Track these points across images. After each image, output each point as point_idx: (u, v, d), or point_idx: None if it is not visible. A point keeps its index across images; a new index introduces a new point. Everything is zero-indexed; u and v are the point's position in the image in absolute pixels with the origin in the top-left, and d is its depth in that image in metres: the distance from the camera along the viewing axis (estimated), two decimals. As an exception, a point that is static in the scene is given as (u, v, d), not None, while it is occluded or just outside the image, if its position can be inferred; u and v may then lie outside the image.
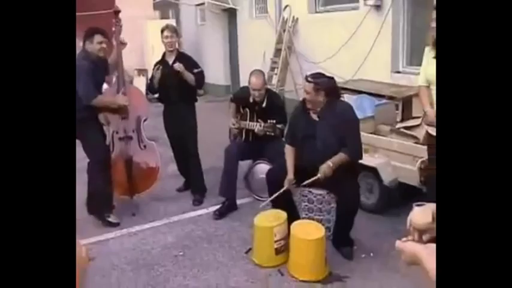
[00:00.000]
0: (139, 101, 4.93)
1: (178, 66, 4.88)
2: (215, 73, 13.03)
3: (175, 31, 5.14)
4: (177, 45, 5.17)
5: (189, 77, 4.96)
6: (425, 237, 1.37)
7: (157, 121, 5.45)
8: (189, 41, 14.38)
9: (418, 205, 1.41)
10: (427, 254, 1.24)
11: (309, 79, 3.79)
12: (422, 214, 1.36)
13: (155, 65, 5.19)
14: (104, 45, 4.57)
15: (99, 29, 4.64)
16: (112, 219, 4.74)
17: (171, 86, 5.01)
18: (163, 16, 13.75)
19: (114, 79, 4.98)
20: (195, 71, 5.06)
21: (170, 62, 5.06)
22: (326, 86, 3.77)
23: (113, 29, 4.80)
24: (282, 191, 3.83)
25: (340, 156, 3.67)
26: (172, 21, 13.17)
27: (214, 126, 5.99)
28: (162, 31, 5.10)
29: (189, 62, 5.10)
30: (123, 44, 4.80)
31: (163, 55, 5.20)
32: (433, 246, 1.27)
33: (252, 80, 4.77)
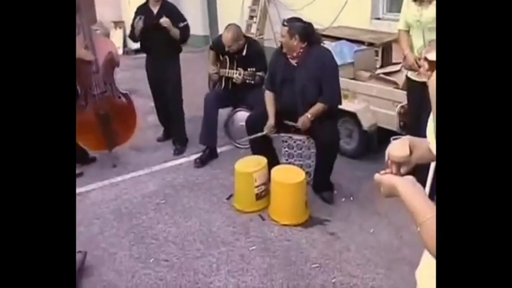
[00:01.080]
0: (110, 51, 4.69)
1: (165, 21, 4.72)
2: (193, 23, 12.54)
3: None
4: None
5: (175, 33, 4.83)
6: (403, 170, 1.39)
7: (135, 72, 5.35)
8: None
9: (395, 139, 1.42)
10: (404, 185, 1.25)
11: (285, 23, 3.76)
12: (400, 147, 1.38)
13: (137, 11, 5.00)
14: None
15: None
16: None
17: (154, 37, 4.84)
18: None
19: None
20: (181, 24, 4.90)
21: (154, 11, 4.88)
22: (300, 30, 3.72)
23: None
24: (261, 134, 3.85)
25: (318, 107, 3.68)
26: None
27: (194, 77, 5.93)
28: None
29: (175, 14, 4.92)
30: None
31: (147, 2, 4.99)
32: (411, 178, 1.28)
33: (223, 35, 4.69)
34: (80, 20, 4.51)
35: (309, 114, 3.65)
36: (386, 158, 1.37)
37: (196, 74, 6.72)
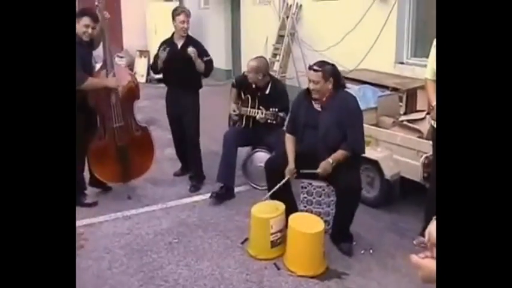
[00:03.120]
0: (131, 81, 4.72)
1: (192, 51, 4.72)
2: (217, 57, 12.70)
3: (190, 16, 4.98)
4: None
5: (200, 65, 4.83)
6: None
7: (156, 103, 5.33)
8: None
9: None
10: None
11: (315, 68, 3.68)
12: None
13: (162, 44, 5.04)
14: (90, 30, 4.34)
15: (90, 11, 4.42)
16: (88, 200, 4.69)
17: (177, 69, 4.86)
18: (166, -2, 13.57)
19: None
20: (205, 59, 4.92)
21: (179, 45, 4.92)
22: (333, 73, 3.68)
23: (96, 3, 4.53)
24: (283, 182, 3.73)
25: (341, 153, 3.58)
26: (175, 4, 12.99)
27: (214, 110, 5.91)
28: (177, 14, 4.92)
29: (200, 49, 4.93)
30: (106, 17, 4.52)
31: (172, 35, 5.05)
32: None
33: (248, 63, 4.69)
34: (104, 50, 4.55)
35: (330, 160, 3.55)
36: (426, 238, 1.25)
37: (216, 108, 6.69)
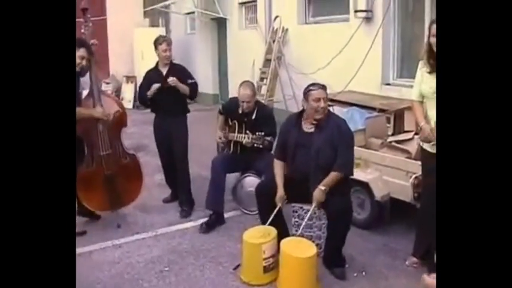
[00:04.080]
0: (118, 111, 4.71)
1: (172, 80, 4.79)
2: (204, 82, 12.90)
3: (171, 44, 5.04)
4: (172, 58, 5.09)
5: (184, 89, 4.89)
6: None
7: (144, 128, 5.32)
8: (179, 49, 14.19)
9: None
10: None
11: (322, 88, 3.75)
12: None
13: (147, 73, 5.09)
14: (84, 62, 4.30)
15: (86, 42, 4.40)
16: (77, 229, 4.49)
17: (163, 98, 4.90)
18: (153, 24, 13.68)
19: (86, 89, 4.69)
20: (189, 81, 4.98)
21: (164, 72, 4.96)
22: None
23: (82, 30, 4.54)
24: (276, 211, 3.74)
25: (333, 176, 3.59)
26: (162, 30, 13.09)
27: (202, 136, 5.92)
28: (159, 43, 4.95)
29: (183, 73, 5.02)
30: (94, 44, 4.55)
31: (157, 64, 5.09)
32: None
33: (240, 91, 4.69)
34: (91, 79, 4.56)
35: (322, 187, 3.55)
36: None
37: (204, 133, 6.69)
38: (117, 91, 13.18)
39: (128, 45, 13.42)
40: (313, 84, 3.79)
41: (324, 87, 3.75)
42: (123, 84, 13.38)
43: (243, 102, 4.67)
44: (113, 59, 13.87)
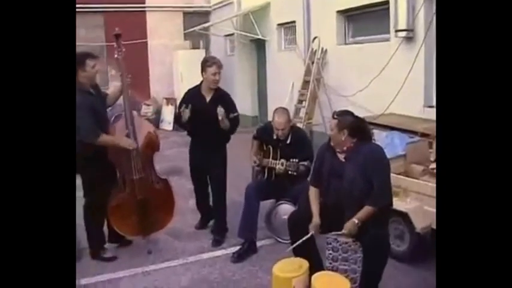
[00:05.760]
0: (151, 134, 4.62)
1: (221, 112, 4.53)
2: (243, 104, 12.87)
3: (222, 67, 4.75)
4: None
5: (225, 125, 4.66)
6: None
7: (182, 151, 5.22)
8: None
9: None
10: None
11: (334, 116, 3.57)
12: None
13: (186, 95, 4.87)
14: (98, 68, 4.29)
15: (88, 52, 4.36)
16: (107, 254, 4.60)
17: (204, 124, 4.65)
18: (194, 46, 13.83)
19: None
20: (231, 115, 4.74)
21: (207, 98, 4.74)
22: (350, 125, 3.49)
23: (115, 55, 4.52)
24: (306, 237, 3.54)
25: (366, 210, 3.36)
26: (202, 52, 13.18)
27: (239, 158, 5.79)
28: (208, 65, 4.66)
29: (228, 104, 4.75)
30: (128, 77, 4.48)
31: (200, 85, 4.83)
32: None
33: (274, 119, 4.52)
34: (124, 104, 4.49)
35: (355, 220, 3.34)
36: None
37: (241, 156, 6.56)
38: (157, 113, 13.30)
39: (168, 68, 13.60)
40: (337, 111, 3.66)
41: (333, 115, 3.60)
42: (163, 107, 13.50)
43: (277, 130, 4.51)
44: (154, 81, 14.06)
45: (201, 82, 4.82)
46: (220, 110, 4.53)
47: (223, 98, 4.79)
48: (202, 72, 4.73)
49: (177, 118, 4.97)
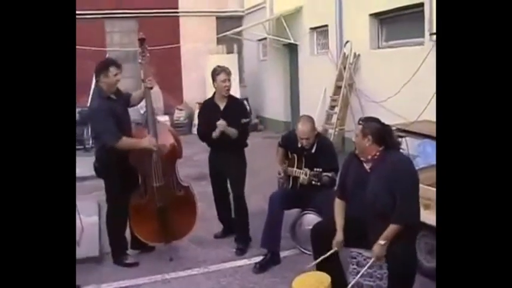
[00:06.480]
0: (172, 144, 4.56)
1: (220, 124, 4.53)
2: (275, 108, 12.78)
3: (231, 74, 4.75)
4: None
5: (233, 134, 4.62)
6: None
7: (206, 156, 5.12)
8: (251, 75, 14.29)
9: None
10: None
11: (360, 121, 3.41)
12: None
13: (203, 105, 4.95)
14: (119, 77, 4.30)
15: (113, 60, 4.40)
16: (129, 260, 4.56)
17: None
18: (229, 51, 13.81)
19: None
20: (243, 121, 4.71)
21: (221, 107, 4.73)
22: (375, 132, 3.31)
23: (139, 60, 4.51)
24: (329, 254, 3.39)
25: (392, 229, 3.15)
26: (234, 56, 13.12)
27: (269, 164, 5.64)
28: (216, 74, 4.67)
29: (239, 110, 4.77)
30: (149, 80, 4.44)
31: (213, 96, 4.84)
32: None
33: (298, 127, 4.38)
34: (147, 108, 4.48)
35: (382, 241, 3.14)
36: None
37: (272, 161, 6.43)
38: (190, 118, 13.30)
39: (201, 72, 13.59)
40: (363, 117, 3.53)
41: (359, 122, 3.47)
42: (195, 111, 13.49)
43: (301, 139, 4.36)
44: (186, 86, 14.09)
45: (214, 92, 4.85)
46: (220, 123, 4.54)
47: (236, 104, 4.82)
48: (213, 82, 4.76)
49: (201, 133, 4.93)
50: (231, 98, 4.80)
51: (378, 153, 3.33)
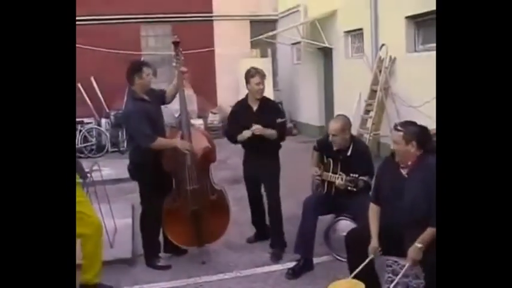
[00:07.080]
0: (206, 147, 4.55)
1: (256, 129, 4.49)
2: (309, 113, 12.68)
3: (265, 77, 4.71)
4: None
5: (270, 135, 4.58)
6: None
7: (240, 160, 5.10)
8: (285, 79, 14.23)
9: None
10: None
11: (398, 127, 3.31)
12: None
13: (235, 106, 4.91)
14: (151, 78, 4.34)
15: (144, 61, 4.45)
16: (162, 263, 4.58)
17: (251, 137, 4.59)
18: (263, 55, 13.79)
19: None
20: (278, 121, 4.67)
21: (254, 108, 4.70)
22: (418, 135, 3.24)
23: (173, 64, 4.52)
24: (366, 262, 3.31)
25: (430, 233, 3.06)
26: (268, 60, 13.09)
27: (303, 169, 5.59)
28: (251, 76, 4.63)
29: (273, 111, 4.75)
30: (184, 72, 4.47)
31: (246, 97, 4.81)
32: None
33: (330, 124, 4.33)
34: (181, 110, 4.49)
35: (419, 244, 3.05)
36: None
37: (306, 167, 6.36)
38: (224, 121, 13.33)
39: (234, 76, 13.61)
40: (398, 123, 3.43)
41: (397, 128, 3.34)
42: (229, 115, 13.53)
43: (332, 136, 4.29)
44: (220, 90, 14.13)
45: (247, 94, 4.81)
46: (256, 127, 4.50)
47: (269, 105, 4.80)
48: (246, 84, 4.72)
49: (228, 134, 4.92)
50: (264, 100, 4.76)
51: (416, 158, 3.25)
